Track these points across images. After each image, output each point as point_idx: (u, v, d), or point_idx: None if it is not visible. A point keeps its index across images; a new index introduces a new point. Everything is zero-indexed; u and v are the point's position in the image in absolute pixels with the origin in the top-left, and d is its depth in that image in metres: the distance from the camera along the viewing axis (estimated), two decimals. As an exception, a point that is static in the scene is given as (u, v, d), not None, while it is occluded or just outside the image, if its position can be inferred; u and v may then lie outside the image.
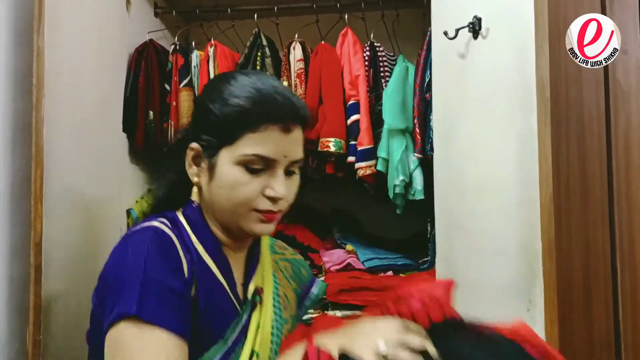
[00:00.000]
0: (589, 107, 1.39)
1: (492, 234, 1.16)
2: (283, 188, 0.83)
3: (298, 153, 0.85)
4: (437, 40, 1.45)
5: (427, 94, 1.62)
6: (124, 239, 0.80)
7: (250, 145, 0.81)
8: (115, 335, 0.73)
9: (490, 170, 1.20)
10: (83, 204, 1.37)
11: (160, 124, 1.85)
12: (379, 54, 1.77)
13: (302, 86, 1.75)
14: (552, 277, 0.96)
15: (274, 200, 0.83)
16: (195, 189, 0.88)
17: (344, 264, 1.78)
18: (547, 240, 0.97)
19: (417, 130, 1.64)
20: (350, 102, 1.73)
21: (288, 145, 0.83)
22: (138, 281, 0.74)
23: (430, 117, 1.57)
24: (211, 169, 0.84)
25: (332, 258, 1.82)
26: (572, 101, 1.39)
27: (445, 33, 1.32)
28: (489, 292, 1.16)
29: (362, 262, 1.77)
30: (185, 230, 0.85)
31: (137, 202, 1.86)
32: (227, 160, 0.83)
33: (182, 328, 0.75)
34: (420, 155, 1.64)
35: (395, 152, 1.66)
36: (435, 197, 1.45)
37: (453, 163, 1.38)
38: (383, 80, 1.75)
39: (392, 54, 1.84)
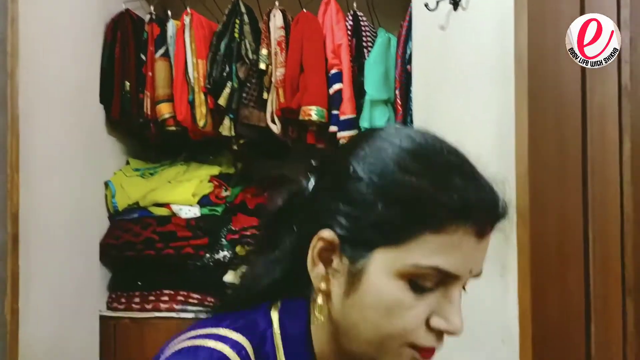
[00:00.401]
0: (566, 80, 1.40)
1: (469, 204, 1.18)
2: (460, 318, 0.53)
3: (482, 264, 0.54)
4: (418, 12, 1.45)
5: (409, 66, 1.62)
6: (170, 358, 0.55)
7: (429, 252, 0.50)
8: None
9: (468, 141, 1.21)
10: (60, 175, 1.36)
11: (136, 94, 1.82)
12: (362, 24, 1.76)
13: (283, 54, 1.73)
14: (526, 245, 0.99)
15: (440, 334, 0.54)
16: (319, 297, 0.56)
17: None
18: (521, 209, 1.00)
19: (399, 101, 1.65)
20: (333, 72, 1.72)
21: (479, 256, 0.54)
22: None
23: (412, 89, 1.57)
24: (353, 277, 0.53)
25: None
26: (550, 74, 1.40)
27: (426, 5, 1.32)
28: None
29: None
30: (274, 350, 0.57)
31: (115, 174, 1.85)
32: (384, 268, 0.52)
33: None
34: (400, 127, 1.65)
35: (377, 122, 1.66)
36: (415, 168, 1.47)
37: (432, 134, 1.40)
38: (366, 51, 1.74)
39: (373, 26, 1.83)
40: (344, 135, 1.69)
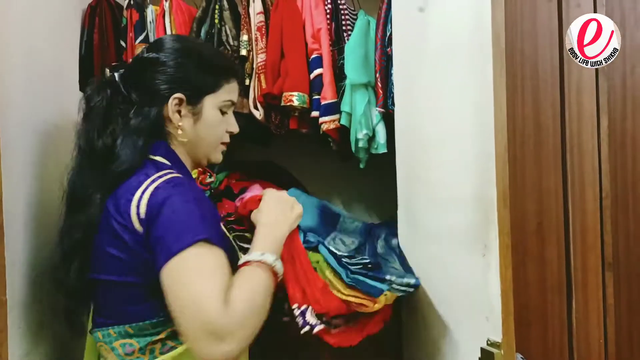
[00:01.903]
0: (543, 59, 1.42)
1: (450, 184, 1.20)
2: (237, 126, 1.22)
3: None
4: (397, -6, 1.46)
5: (389, 48, 1.63)
6: (165, 190, 0.99)
7: (227, 93, 1.17)
8: (187, 255, 0.91)
9: (448, 123, 1.23)
10: (41, 164, 1.35)
11: (118, 82, 1.80)
12: (341, 7, 1.76)
13: (263, 40, 1.73)
14: (506, 223, 1.01)
15: (231, 134, 1.21)
16: (178, 131, 1.13)
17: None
18: (501, 188, 1.02)
19: (379, 84, 1.66)
20: (313, 56, 1.71)
21: (237, 92, 1.21)
22: (198, 216, 0.96)
23: (392, 72, 1.58)
24: (196, 114, 1.14)
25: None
26: (527, 54, 1.42)
27: (405, -14, 1.32)
28: (447, 238, 1.20)
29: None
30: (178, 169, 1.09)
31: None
32: (211, 105, 1.15)
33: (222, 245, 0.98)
34: (382, 110, 1.66)
35: (358, 106, 1.67)
36: (397, 150, 1.48)
37: (413, 116, 1.41)
38: (345, 34, 1.74)
39: (353, 9, 1.83)
40: (325, 119, 1.70)
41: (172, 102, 1.10)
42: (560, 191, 1.48)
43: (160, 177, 1.02)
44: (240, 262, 1.01)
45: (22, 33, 1.30)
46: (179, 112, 1.12)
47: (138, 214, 0.98)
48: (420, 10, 1.32)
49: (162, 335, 1.02)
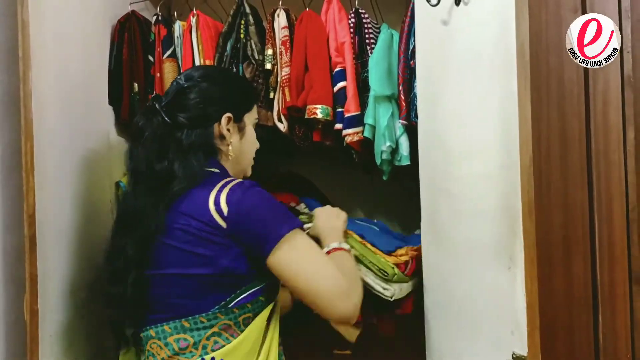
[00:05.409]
0: (569, 71, 1.42)
1: (475, 197, 1.20)
2: None
3: None
4: (420, 8, 1.47)
5: (412, 61, 1.63)
6: (243, 191, 1.12)
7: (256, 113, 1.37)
8: (294, 240, 1.11)
9: (473, 135, 1.23)
10: (73, 176, 1.39)
11: (145, 95, 1.84)
12: (364, 21, 1.77)
13: (287, 54, 1.75)
14: (532, 236, 1.01)
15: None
16: (229, 147, 1.25)
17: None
18: (527, 201, 1.01)
19: (402, 97, 1.66)
20: (337, 70, 1.73)
21: None
22: (284, 209, 1.15)
23: (415, 84, 1.59)
24: (242, 130, 1.29)
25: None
26: (552, 66, 1.42)
27: (428, 0, 1.34)
28: (472, 251, 1.20)
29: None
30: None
31: (125, 174, 1.87)
32: (249, 122, 1.32)
33: None
34: (405, 122, 1.66)
35: (381, 118, 1.68)
36: (420, 162, 1.48)
37: (437, 129, 1.41)
38: (368, 48, 1.75)
39: (376, 22, 1.85)
40: (349, 132, 1.71)
41: (224, 120, 1.23)
42: (586, 203, 1.46)
43: (229, 181, 1.15)
44: (325, 250, 1.26)
45: (55, 48, 1.34)
46: (228, 129, 1.24)
47: (219, 211, 1.09)
48: (444, 24, 1.33)
49: (214, 329, 1.11)
